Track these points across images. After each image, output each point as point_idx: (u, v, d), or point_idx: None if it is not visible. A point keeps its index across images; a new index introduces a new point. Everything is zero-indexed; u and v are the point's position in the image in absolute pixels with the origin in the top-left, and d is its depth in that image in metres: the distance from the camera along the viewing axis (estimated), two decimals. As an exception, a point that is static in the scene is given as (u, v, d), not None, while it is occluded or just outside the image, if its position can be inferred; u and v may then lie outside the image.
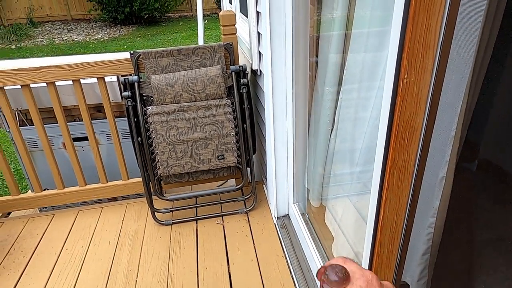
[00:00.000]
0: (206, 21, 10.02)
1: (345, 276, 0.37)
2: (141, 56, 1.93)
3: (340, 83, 1.50)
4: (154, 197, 2.16)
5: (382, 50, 1.05)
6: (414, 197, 0.87)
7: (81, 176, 2.29)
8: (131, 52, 1.93)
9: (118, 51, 8.64)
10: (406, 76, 0.68)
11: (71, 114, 2.57)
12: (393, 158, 0.77)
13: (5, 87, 1.98)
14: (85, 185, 2.30)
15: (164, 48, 1.93)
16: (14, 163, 3.96)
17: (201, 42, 3.93)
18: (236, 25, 2.03)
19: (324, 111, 1.65)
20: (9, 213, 2.50)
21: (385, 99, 0.74)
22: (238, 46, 2.22)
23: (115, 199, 2.57)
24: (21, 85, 1.97)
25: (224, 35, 1.99)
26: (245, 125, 2.02)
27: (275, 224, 2.12)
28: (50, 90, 2.00)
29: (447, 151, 1.00)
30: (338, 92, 1.54)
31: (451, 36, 0.66)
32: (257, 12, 1.87)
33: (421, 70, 0.68)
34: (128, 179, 2.32)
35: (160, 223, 2.16)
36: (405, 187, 0.82)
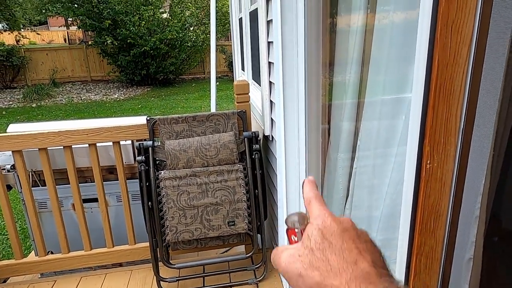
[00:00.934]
0: (218, 82, 10.53)
1: (302, 219, 0.38)
2: (157, 122, 1.98)
3: (354, 151, 1.50)
4: (160, 264, 2.07)
5: (397, 118, 1.07)
6: (443, 283, 0.81)
7: (87, 239, 2.23)
8: (148, 118, 2.00)
9: (132, 110, 8.99)
10: (429, 162, 0.67)
11: (83, 175, 2.59)
12: (419, 244, 0.73)
13: (23, 150, 2.03)
14: (90, 249, 2.24)
15: (179, 115, 1.99)
16: (20, 221, 3.92)
17: (213, 103, 4.08)
18: (249, 93, 2.11)
19: (338, 179, 1.63)
20: (5, 279, 2.40)
21: (407, 184, 0.73)
22: (251, 112, 2.29)
23: (119, 264, 2.47)
24: (38, 148, 2.01)
25: (237, 102, 2.06)
26: (256, 191, 2.00)
27: (287, 297, 1.98)
28: (66, 153, 2.04)
29: (472, 231, 0.95)
30: (352, 159, 1.53)
31: (472, 123, 0.66)
32: (270, 82, 1.95)
33: (444, 156, 0.67)
34: (135, 243, 2.25)
35: (165, 293, 2.04)
36: (434, 274, 0.77)
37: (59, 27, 20.29)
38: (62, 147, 2.04)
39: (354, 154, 1.50)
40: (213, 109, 4.14)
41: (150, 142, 1.95)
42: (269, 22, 1.89)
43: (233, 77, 5.45)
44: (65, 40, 21.05)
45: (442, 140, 0.65)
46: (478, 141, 0.79)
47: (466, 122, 0.65)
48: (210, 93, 4.12)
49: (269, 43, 1.93)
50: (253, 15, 2.59)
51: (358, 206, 1.53)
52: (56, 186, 2.18)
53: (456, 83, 0.62)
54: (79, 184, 2.21)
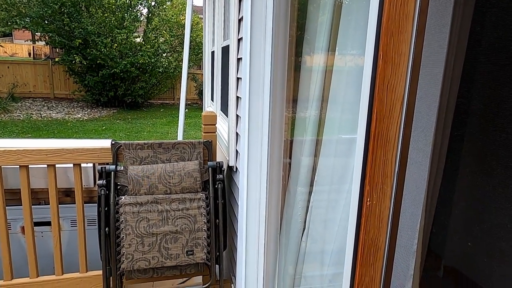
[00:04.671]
0: (187, 110, 10.55)
1: None
2: (121, 147, 1.98)
3: (311, 185, 1.59)
4: (112, 294, 1.99)
5: (351, 156, 1.17)
6: (382, 314, 0.88)
7: (34, 266, 2.10)
8: (112, 142, 1.99)
9: (95, 131, 8.73)
10: (369, 200, 0.76)
11: (37, 197, 2.48)
12: (360, 275, 0.80)
13: (-27, 167, 1.93)
14: (37, 277, 2.11)
15: (145, 141, 2.01)
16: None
17: (180, 130, 4.10)
18: (216, 124, 2.18)
19: (296, 212, 1.70)
20: None
21: (351, 219, 0.81)
22: (217, 142, 2.35)
23: (67, 293, 2.33)
24: (-9, 167, 1.93)
25: (204, 132, 2.11)
26: (217, 220, 2.02)
27: (241, 330, 1.96)
28: (22, 173, 1.97)
29: (410, 265, 1.04)
30: (309, 193, 1.62)
31: (405, 167, 0.77)
32: (237, 116, 2.04)
33: (382, 195, 0.76)
34: (87, 271, 2.16)
35: (114, 326, 1.95)
36: (373, 304, 0.84)
37: (25, 41, 19.65)
38: (18, 166, 1.97)
39: (312, 188, 1.60)
40: (180, 136, 4.16)
41: (113, 166, 1.94)
42: (239, 60, 2.01)
43: (202, 105, 5.53)
44: (29, 54, 20.35)
45: (380, 181, 0.75)
46: (411, 183, 0.90)
47: (400, 166, 0.75)
48: (178, 119, 4.15)
49: (238, 78, 2.04)
50: (225, 50, 2.72)
51: (314, 239, 1.60)
52: (6, 207, 2.07)
53: (391, 133, 0.73)
54: (32, 206, 2.11)
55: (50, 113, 10.62)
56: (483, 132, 0.78)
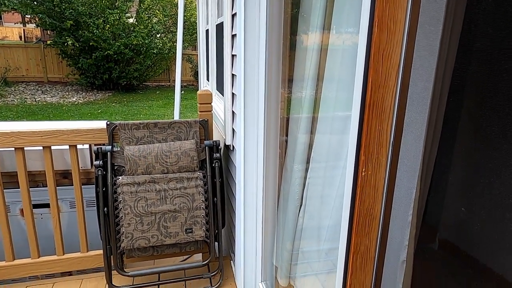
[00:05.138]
0: (182, 91, 10.45)
1: None
2: (117, 127, 1.97)
3: (308, 162, 1.60)
4: (113, 272, 2.02)
5: (346, 133, 1.16)
6: (376, 282, 0.90)
7: (35, 246, 2.13)
8: (108, 122, 1.98)
9: (91, 115, 8.67)
10: (364, 170, 0.76)
11: (35, 179, 2.48)
12: (356, 244, 0.81)
13: (-32, 150, 1.92)
14: (38, 257, 2.13)
15: (141, 121, 1.99)
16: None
17: (177, 112, 4.07)
18: (212, 103, 2.16)
19: (293, 188, 1.72)
20: None
21: (346, 189, 0.81)
22: (213, 121, 2.33)
23: (69, 273, 2.37)
24: (-14, 149, 1.92)
25: (200, 111, 2.10)
26: (215, 199, 2.04)
27: (241, 304, 2.02)
28: (18, 156, 1.96)
29: (405, 236, 1.06)
30: (306, 170, 1.62)
31: (400, 137, 0.77)
32: (233, 94, 2.02)
33: (377, 165, 0.76)
34: (88, 251, 2.18)
35: (117, 302, 1.99)
36: (368, 272, 0.86)
37: (14, 23, 19.17)
38: (13, 148, 1.96)
39: (308, 165, 1.60)
40: (176, 118, 4.14)
41: (109, 147, 1.93)
42: (233, 36, 1.97)
43: (198, 86, 5.48)
44: (20, 37, 19.90)
45: (375, 151, 0.75)
46: (406, 152, 0.91)
47: (395, 135, 0.75)
48: (174, 102, 4.12)
49: (233, 56, 2.01)
50: (220, 28, 2.66)
51: (311, 215, 1.62)
52: (4, 190, 2.07)
53: (387, 102, 0.72)
54: (30, 188, 2.12)
55: (44, 97, 10.50)
56: (481, 101, 0.77)
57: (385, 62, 0.70)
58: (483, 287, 1.04)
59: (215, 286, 2.13)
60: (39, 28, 12.99)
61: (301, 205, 1.67)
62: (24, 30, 19.21)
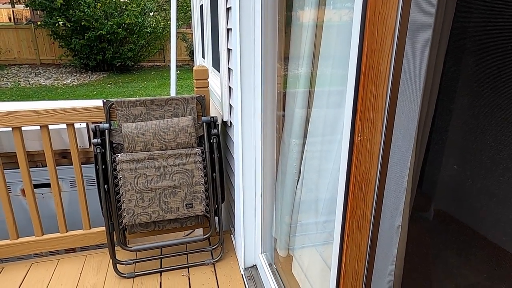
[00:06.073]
0: (178, 71, 10.33)
1: None
2: (113, 105, 1.96)
3: (305, 136, 1.61)
4: (116, 248, 2.07)
5: (343, 107, 1.17)
6: (372, 246, 0.93)
7: (38, 224, 2.16)
8: (104, 100, 1.97)
9: (87, 96, 8.59)
10: (360, 135, 0.77)
11: (34, 159, 2.49)
12: (352, 208, 0.83)
13: (-34, 131, 1.92)
14: (42, 235, 2.17)
15: (137, 98, 1.99)
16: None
17: (173, 92, 4.05)
18: (208, 79, 2.15)
19: (291, 162, 1.74)
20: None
21: (343, 154, 0.83)
22: (210, 98, 2.33)
23: (73, 250, 2.42)
24: (-16, 129, 1.91)
25: (196, 88, 2.09)
26: (214, 174, 2.06)
27: (242, 275, 2.08)
28: (16, 135, 1.96)
29: (401, 202, 1.08)
30: (303, 144, 1.64)
31: (395, 102, 0.77)
32: (229, 69, 2.00)
33: (372, 130, 0.78)
34: (90, 228, 2.22)
35: (121, 276, 2.05)
36: (364, 236, 0.89)
37: (3, 4, 18.65)
38: (10, 128, 1.96)
39: (306, 139, 1.61)
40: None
41: (107, 125, 1.93)
42: (228, 9, 1.93)
43: (194, 65, 5.40)
44: (10, 19, 19.39)
45: (370, 116, 0.76)
46: (402, 118, 0.92)
47: (390, 100, 0.76)
48: (170, 82, 4.08)
49: (228, 30, 1.98)
50: (214, 2, 2.61)
51: (308, 188, 1.65)
52: (4, 171, 2.08)
53: (382, 66, 0.72)
54: (30, 169, 2.13)
55: (38, 80, 10.35)
56: (480, 60, 0.77)
57: (380, 26, 0.70)
58: (478, 253, 1.07)
59: (216, 259, 2.19)
60: (28, 8, 12.65)
61: (298, 179, 1.69)
62: (13, 11, 18.69)
